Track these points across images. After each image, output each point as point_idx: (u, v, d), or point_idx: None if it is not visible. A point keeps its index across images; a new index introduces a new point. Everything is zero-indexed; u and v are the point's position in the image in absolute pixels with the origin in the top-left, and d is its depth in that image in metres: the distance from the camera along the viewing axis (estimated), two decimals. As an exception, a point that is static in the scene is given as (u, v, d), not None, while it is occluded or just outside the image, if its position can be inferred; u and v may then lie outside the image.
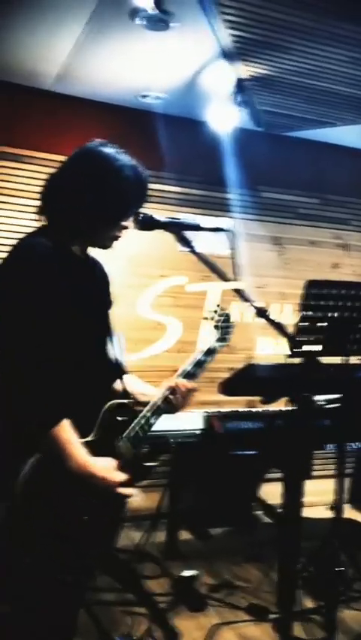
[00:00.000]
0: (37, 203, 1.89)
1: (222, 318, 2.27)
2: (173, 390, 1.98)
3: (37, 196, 1.91)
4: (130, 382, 2.06)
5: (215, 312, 2.29)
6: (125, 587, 3.15)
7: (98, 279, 1.99)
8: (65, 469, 1.64)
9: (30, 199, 3.88)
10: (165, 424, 3.32)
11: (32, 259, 1.70)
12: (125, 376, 2.08)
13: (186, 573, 3.27)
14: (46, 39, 3.47)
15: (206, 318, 2.29)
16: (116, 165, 1.82)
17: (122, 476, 1.76)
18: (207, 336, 2.22)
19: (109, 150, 1.85)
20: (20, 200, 3.99)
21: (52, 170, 1.93)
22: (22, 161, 4.03)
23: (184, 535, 4.00)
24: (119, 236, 1.91)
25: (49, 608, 1.72)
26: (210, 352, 2.15)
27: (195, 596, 3.18)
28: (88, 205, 1.80)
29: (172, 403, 1.97)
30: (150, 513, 3.73)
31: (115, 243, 1.94)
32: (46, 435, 1.61)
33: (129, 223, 1.90)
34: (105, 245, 1.92)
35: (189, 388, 2.00)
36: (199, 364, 2.09)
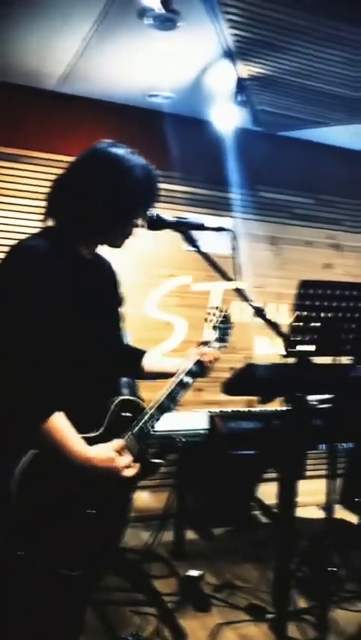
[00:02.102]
0: (43, 204, 1.86)
1: (221, 319, 2.28)
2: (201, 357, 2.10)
3: (41, 197, 1.89)
4: (155, 360, 2.17)
5: (214, 313, 2.30)
6: (135, 587, 3.14)
7: (104, 279, 1.99)
8: (64, 461, 1.64)
9: (32, 199, 3.87)
10: (170, 423, 3.35)
11: (31, 260, 1.69)
12: (147, 354, 2.16)
13: (192, 573, 3.28)
14: (52, 40, 3.45)
15: (206, 319, 2.30)
16: (127, 165, 1.80)
17: (125, 459, 1.76)
18: (207, 337, 2.23)
19: (120, 150, 1.83)
20: (23, 201, 3.95)
21: (55, 171, 1.91)
22: (25, 161, 3.99)
23: (189, 535, 3.99)
24: (130, 234, 1.90)
25: (50, 608, 1.71)
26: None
27: (200, 596, 3.18)
28: (99, 205, 1.78)
29: (204, 364, 2.10)
30: (158, 513, 3.73)
31: (126, 242, 1.93)
32: (40, 428, 1.61)
33: (140, 222, 1.89)
34: (116, 243, 1.91)
35: (215, 357, 2.14)
36: (199, 364, 2.11)
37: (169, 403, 1.97)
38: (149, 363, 2.16)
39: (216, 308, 2.30)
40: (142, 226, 1.91)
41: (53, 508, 1.64)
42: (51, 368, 1.63)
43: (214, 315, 2.27)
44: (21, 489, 1.58)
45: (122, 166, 1.80)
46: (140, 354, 2.17)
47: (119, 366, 2.01)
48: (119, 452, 1.77)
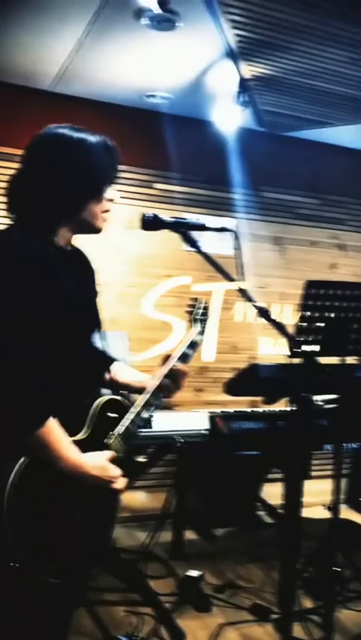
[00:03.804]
0: (7, 200, 1.78)
1: (201, 310, 2.26)
2: (171, 372, 1.97)
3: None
4: (121, 371, 2.05)
5: (193, 305, 2.29)
6: (131, 587, 3.14)
7: (84, 271, 1.92)
8: (57, 469, 1.60)
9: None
10: (170, 423, 3.35)
11: (28, 257, 1.61)
12: (115, 364, 2.06)
13: (192, 573, 3.27)
14: (48, 40, 3.45)
15: (188, 312, 2.29)
16: (76, 138, 1.75)
17: (117, 471, 1.73)
18: (191, 330, 2.20)
19: (64, 128, 1.78)
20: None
21: None
22: (19, 161, 3.96)
23: (189, 535, 3.99)
24: (108, 211, 1.82)
25: (40, 609, 1.67)
26: (193, 345, 2.13)
27: (200, 596, 3.18)
28: (63, 186, 1.71)
29: (168, 386, 1.97)
30: (155, 513, 3.72)
31: (105, 226, 1.85)
32: (33, 435, 1.55)
33: (114, 195, 1.82)
34: (96, 227, 1.82)
35: (184, 371, 2.00)
36: (184, 357, 2.05)
37: (155, 401, 1.93)
38: (116, 373, 2.06)
39: (195, 300, 2.30)
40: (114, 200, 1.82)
41: (44, 516, 1.59)
42: (47, 370, 1.57)
43: (194, 307, 2.27)
44: (14, 498, 1.52)
45: (71, 140, 1.74)
46: (108, 361, 2.08)
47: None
48: (112, 461, 1.73)
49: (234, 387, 3.19)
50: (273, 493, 4.06)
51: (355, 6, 2.97)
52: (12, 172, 1.83)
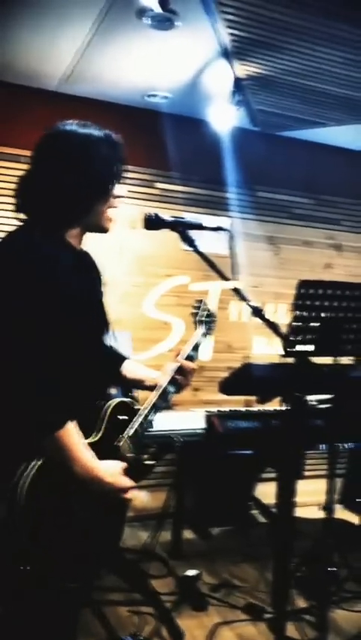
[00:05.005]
0: (16, 200, 1.79)
1: (205, 313, 2.28)
2: (179, 368, 2.00)
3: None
4: (133, 368, 2.07)
5: (198, 307, 2.30)
6: (133, 587, 3.14)
7: (93, 272, 1.93)
8: (71, 473, 1.59)
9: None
10: (168, 423, 3.35)
11: (30, 257, 1.61)
12: (126, 362, 2.08)
13: (190, 572, 3.27)
14: (51, 40, 3.46)
15: (193, 314, 2.30)
16: (81, 133, 1.76)
17: (129, 482, 1.72)
18: (195, 332, 2.22)
19: (71, 125, 1.78)
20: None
21: None
22: (26, 162, 3.93)
23: (187, 534, 4.00)
24: (116, 207, 1.82)
25: (49, 610, 1.67)
26: (197, 347, 2.15)
27: (197, 596, 3.18)
28: (69, 188, 1.72)
29: (178, 382, 2.00)
30: (156, 513, 3.73)
31: (112, 225, 1.85)
32: (50, 437, 1.54)
33: (121, 191, 1.82)
34: (104, 227, 1.83)
35: (193, 368, 2.04)
36: (189, 359, 2.07)
37: (162, 404, 1.95)
38: (129, 371, 2.08)
39: (200, 302, 2.31)
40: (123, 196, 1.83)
41: (57, 519, 1.59)
42: (49, 371, 1.55)
43: (198, 309, 2.28)
44: (28, 502, 1.51)
45: (78, 136, 1.75)
46: (120, 359, 2.10)
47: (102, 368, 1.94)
48: (125, 471, 1.73)
49: (228, 386, 3.19)
50: (267, 492, 4.06)
51: (349, 6, 2.98)
52: (18, 173, 1.83)
